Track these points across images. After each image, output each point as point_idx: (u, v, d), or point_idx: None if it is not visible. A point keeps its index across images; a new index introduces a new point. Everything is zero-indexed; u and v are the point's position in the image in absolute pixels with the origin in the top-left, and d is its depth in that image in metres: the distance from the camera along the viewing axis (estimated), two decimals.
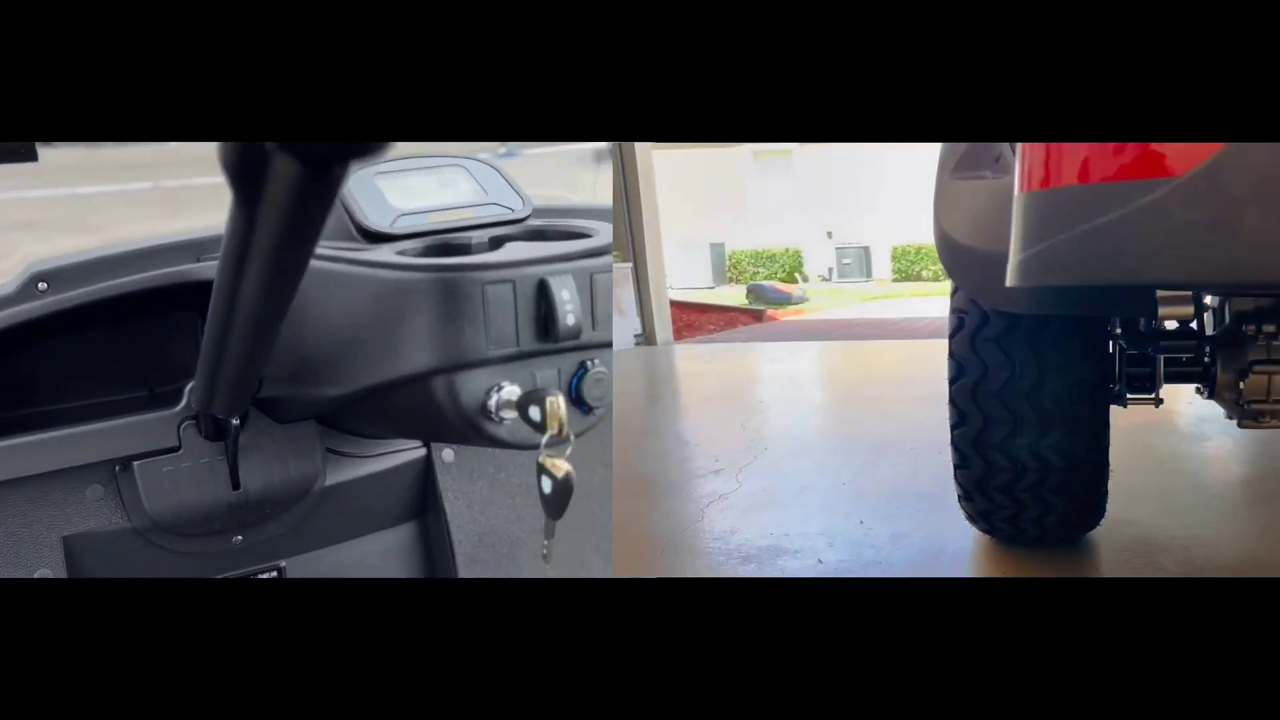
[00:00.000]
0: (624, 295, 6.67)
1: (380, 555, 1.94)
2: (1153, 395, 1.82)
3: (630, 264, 6.74)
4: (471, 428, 1.49)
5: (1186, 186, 1.19)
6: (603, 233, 1.63)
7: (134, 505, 1.67)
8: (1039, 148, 1.30)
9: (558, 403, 1.38)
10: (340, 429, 1.80)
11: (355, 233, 1.70)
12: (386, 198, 1.74)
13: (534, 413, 1.41)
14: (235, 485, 1.71)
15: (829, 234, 17.09)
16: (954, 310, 1.98)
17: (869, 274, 16.20)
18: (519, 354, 1.48)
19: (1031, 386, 1.86)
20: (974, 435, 1.92)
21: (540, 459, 1.40)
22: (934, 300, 12.45)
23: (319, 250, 1.56)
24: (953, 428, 1.96)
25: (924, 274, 16.12)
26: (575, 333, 1.47)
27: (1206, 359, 1.72)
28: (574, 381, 1.54)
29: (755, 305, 11.21)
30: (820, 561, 2.13)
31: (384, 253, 1.60)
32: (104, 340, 1.74)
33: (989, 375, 1.88)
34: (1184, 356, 1.75)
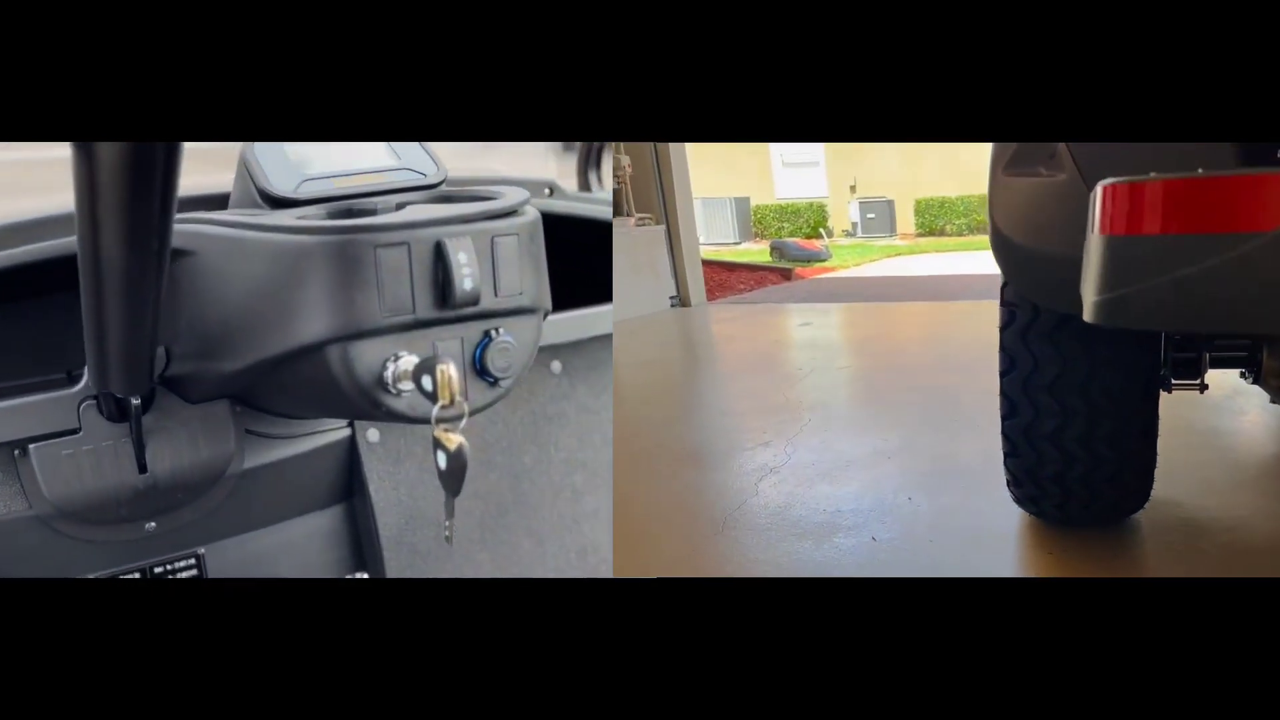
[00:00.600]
0: (658, 258, 6.75)
1: (305, 540, 1.85)
2: (1198, 381, 1.89)
3: (663, 226, 6.80)
4: (369, 400, 1.42)
5: (1277, 241, 1.20)
6: (512, 194, 1.53)
7: (34, 491, 1.58)
8: (1121, 191, 1.31)
9: (448, 371, 1.33)
10: (256, 407, 1.71)
11: (259, 198, 1.62)
12: (291, 162, 1.66)
13: (426, 382, 1.36)
14: (141, 468, 1.62)
15: (852, 188, 17.02)
16: (1005, 304, 2.02)
17: (893, 229, 16.14)
18: (417, 322, 1.40)
19: (1083, 381, 1.91)
20: (1025, 426, 1.99)
21: (434, 432, 1.34)
22: (956, 255, 12.45)
23: (217, 216, 1.52)
24: (1004, 418, 2.04)
25: (947, 228, 16.06)
26: (473, 298, 1.41)
27: (1253, 347, 1.78)
28: (477, 351, 1.47)
29: (779, 263, 11.24)
30: (874, 539, 2.24)
31: (281, 217, 1.51)
32: (10, 318, 1.67)
33: (1040, 369, 1.93)
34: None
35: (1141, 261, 1.28)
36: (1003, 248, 1.86)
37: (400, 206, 1.59)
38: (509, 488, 1.97)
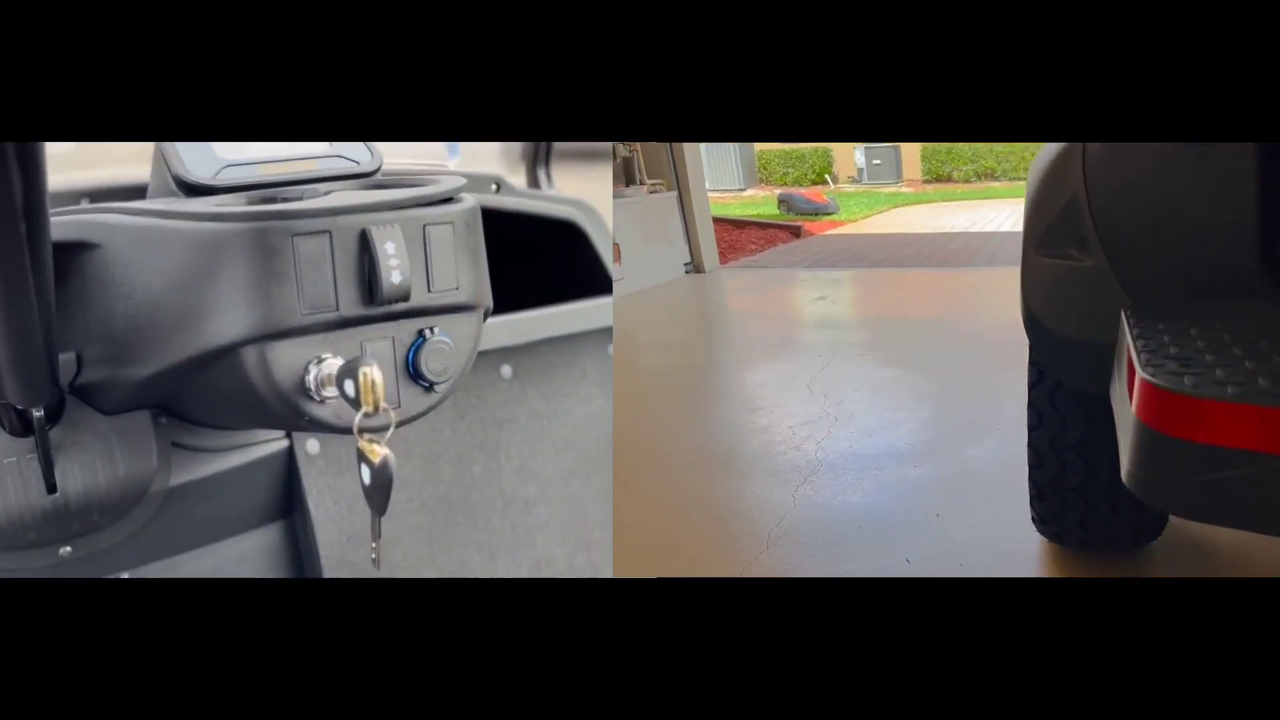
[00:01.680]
0: (671, 224, 6.80)
1: (240, 562, 1.70)
2: None
3: (675, 193, 6.84)
4: (290, 408, 1.27)
5: None
6: (448, 182, 1.40)
7: None
8: (1162, 397, 1.22)
9: (371, 375, 1.18)
10: (180, 417, 1.55)
11: (175, 186, 1.46)
12: (212, 148, 1.50)
13: (349, 387, 1.21)
14: (50, 488, 1.45)
15: None
16: (1033, 363, 2.06)
17: (899, 175, 16.09)
18: (341, 320, 1.26)
19: (1107, 443, 1.96)
20: (1051, 478, 2.06)
21: (358, 443, 1.22)
22: (963, 207, 12.42)
23: (126, 206, 1.37)
24: (1031, 468, 2.12)
25: (954, 174, 16.02)
26: (403, 293, 1.28)
27: None
28: (410, 353, 1.33)
29: (787, 216, 11.26)
30: (907, 561, 2.35)
31: (194, 205, 1.36)
32: None
33: (1066, 428, 2.00)
34: None
35: (1178, 460, 1.23)
36: (1031, 326, 1.87)
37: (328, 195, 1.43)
38: (458, 499, 1.85)
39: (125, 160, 1.65)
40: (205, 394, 1.37)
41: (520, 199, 1.89)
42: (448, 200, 1.34)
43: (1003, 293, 5.30)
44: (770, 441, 3.25)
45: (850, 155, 16.49)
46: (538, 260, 2.03)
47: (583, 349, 2.03)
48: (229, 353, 1.25)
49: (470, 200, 1.38)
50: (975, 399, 3.56)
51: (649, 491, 2.85)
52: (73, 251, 1.34)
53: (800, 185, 16.54)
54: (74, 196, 1.57)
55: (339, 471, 1.72)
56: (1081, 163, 1.70)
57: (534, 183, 2.25)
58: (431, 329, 1.33)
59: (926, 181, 16.09)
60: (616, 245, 6.02)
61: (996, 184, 15.50)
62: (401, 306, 1.28)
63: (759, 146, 16.76)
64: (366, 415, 1.18)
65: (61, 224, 1.35)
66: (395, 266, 1.25)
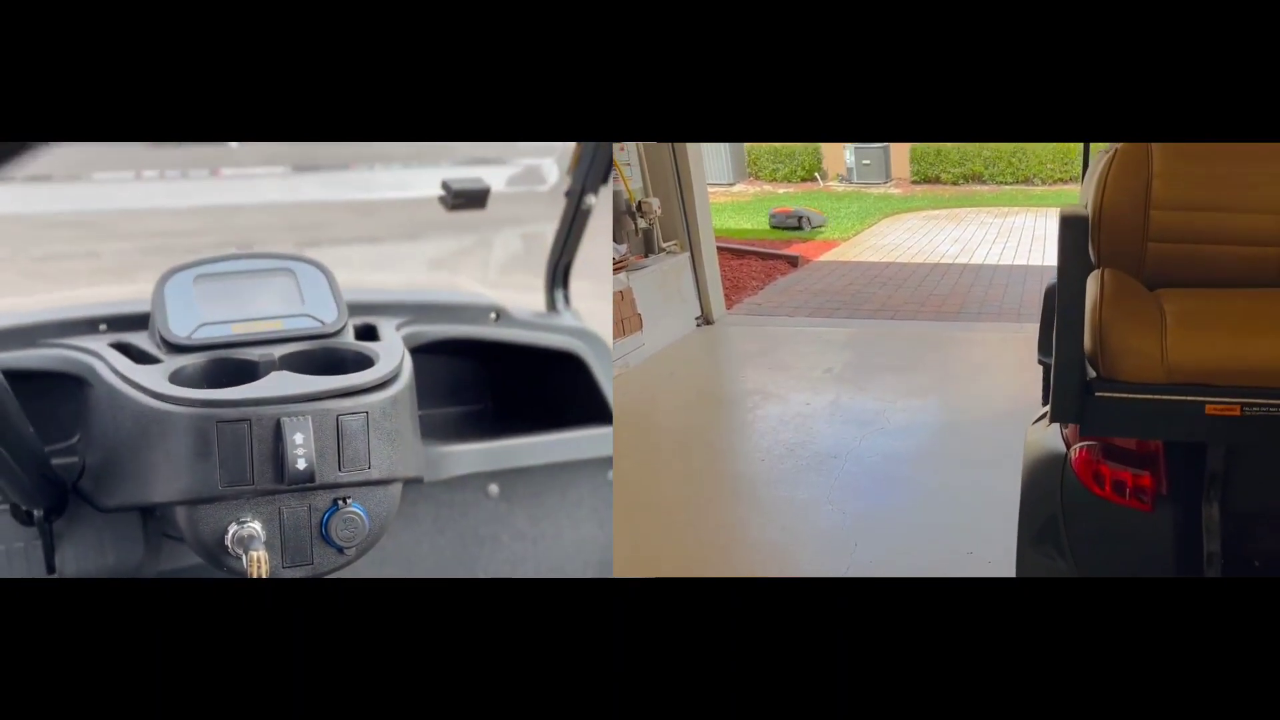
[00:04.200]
0: (685, 283, 7.17)
1: None
2: None
3: (687, 253, 7.20)
4: (212, 559, 1.50)
5: None
6: (383, 364, 1.58)
7: None
8: None
9: (261, 558, 1.43)
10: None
11: (159, 340, 1.69)
12: (196, 304, 1.71)
13: (244, 560, 1.46)
14: (50, 569, 1.66)
15: None
16: None
17: (888, 175, 16.43)
18: (256, 492, 1.49)
19: None
20: None
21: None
22: (950, 216, 12.72)
23: (110, 357, 1.61)
24: None
25: (942, 176, 16.37)
26: (306, 477, 1.48)
27: None
28: (324, 519, 1.53)
29: (781, 229, 11.68)
30: None
31: (152, 374, 1.58)
32: None
33: None
34: None
35: None
36: None
37: (284, 359, 1.67)
38: None
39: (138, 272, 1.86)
40: (161, 526, 1.62)
41: (518, 330, 2.02)
42: (371, 389, 1.54)
43: (996, 361, 5.70)
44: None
45: (840, 153, 16.79)
46: (537, 386, 2.14)
47: (578, 476, 2.09)
48: (167, 508, 1.51)
49: (400, 382, 1.58)
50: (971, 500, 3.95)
51: None
52: (75, 383, 1.58)
53: (790, 181, 16.88)
54: (93, 323, 1.82)
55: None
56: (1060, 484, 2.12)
57: (551, 304, 2.29)
58: (346, 499, 1.54)
59: (914, 183, 16.44)
60: (640, 315, 6.40)
61: (983, 188, 15.88)
62: (310, 484, 1.51)
63: (749, 142, 17.04)
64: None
65: (67, 359, 1.61)
66: (301, 454, 1.49)
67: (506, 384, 1.98)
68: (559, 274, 2.24)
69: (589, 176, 1.98)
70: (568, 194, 2.04)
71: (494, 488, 2.00)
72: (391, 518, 1.59)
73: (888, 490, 4.33)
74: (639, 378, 5.90)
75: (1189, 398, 1.98)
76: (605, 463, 2.06)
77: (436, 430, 1.78)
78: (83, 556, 1.66)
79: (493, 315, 1.99)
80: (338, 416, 1.51)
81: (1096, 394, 2.09)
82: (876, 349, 6.73)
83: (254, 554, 1.43)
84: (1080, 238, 2.07)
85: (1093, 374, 2.11)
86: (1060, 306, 2.06)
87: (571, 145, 2.04)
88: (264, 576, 1.39)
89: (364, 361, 1.65)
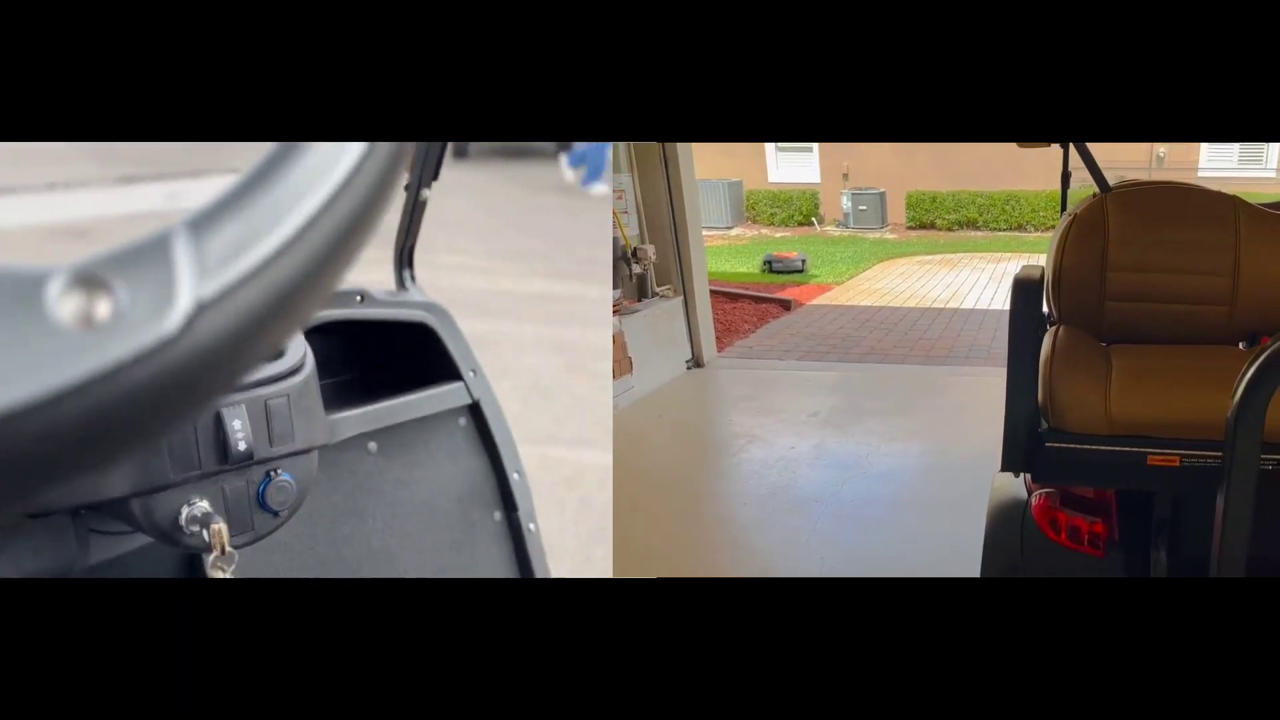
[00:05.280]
0: (677, 327, 7.29)
1: None
2: None
3: (681, 298, 7.32)
4: (168, 540, 1.66)
5: None
6: (294, 350, 1.80)
7: None
8: None
9: (221, 530, 1.61)
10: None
11: None
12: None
13: (205, 535, 1.63)
14: None
15: (845, 176, 17.44)
16: None
17: (883, 221, 16.63)
18: (203, 474, 1.67)
19: None
20: None
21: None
22: (943, 262, 12.90)
23: None
24: None
25: (937, 222, 16.57)
26: (246, 456, 1.71)
27: None
28: (260, 490, 1.76)
29: (770, 272, 11.87)
30: None
31: None
32: None
33: None
34: None
35: None
36: None
37: None
38: (332, 556, 2.25)
39: None
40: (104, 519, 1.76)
41: (380, 308, 2.31)
42: (289, 374, 1.77)
43: (979, 405, 5.79)
44: None
45: (837, 199, 17.01)
46: (399, 355, 2.46)
47: (437, 426, 2.44)
48: (120, 502, 1.64)
49: (309, 366, 1.81)
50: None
51: None
52: None
53: (787, 225, 17.08)
54: None
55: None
56: None
57: (400, 283, 2.56)
58: (276, 470, 1.77)
59: (910, 228, 16.63)
60: (630, 359, 6.51)
61: (977, 233, 16.07)
62: (249, 461, 1.73)
63: (748, 187, 17.27)
64: (216, 558, 1.59)
65: None
66: (241, 437, 1.70)
67: (370, 355, 2.29)
68: (404, 257, 2.53)
69: (424, 173, 2.27)
70: (406, 188, 2.34)
71: (373, 445, 2.25)
72: (313, 480, 1.83)
73: (866, 534, 4.42)
74: (627, 420, 5.99)
75: (1131, 448, 2.08)
76: (457, 412, 2.40)
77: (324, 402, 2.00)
78: (21, 559, 1.76)
79: (358, 298, 2.25)
80: (266, 400, 1.74)
81: (1046, 444, 2.18)
82: (864, 392, 6.82)
83: (215, 527, 1.60)
84: (1030, 298, 2.18)
85: (1046, 425, 2.21)
86: (1010, 363, 2.16)
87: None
88: (225, 547, 1.56)
89: (275, 352, 1.85)
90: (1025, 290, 2.17)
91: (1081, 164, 2.69)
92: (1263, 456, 1.27)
